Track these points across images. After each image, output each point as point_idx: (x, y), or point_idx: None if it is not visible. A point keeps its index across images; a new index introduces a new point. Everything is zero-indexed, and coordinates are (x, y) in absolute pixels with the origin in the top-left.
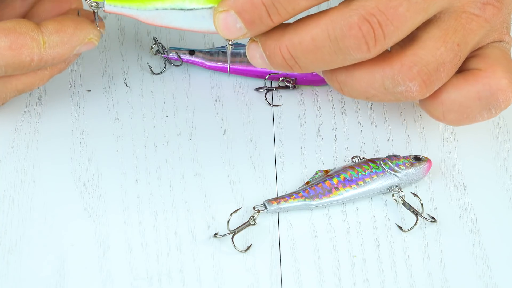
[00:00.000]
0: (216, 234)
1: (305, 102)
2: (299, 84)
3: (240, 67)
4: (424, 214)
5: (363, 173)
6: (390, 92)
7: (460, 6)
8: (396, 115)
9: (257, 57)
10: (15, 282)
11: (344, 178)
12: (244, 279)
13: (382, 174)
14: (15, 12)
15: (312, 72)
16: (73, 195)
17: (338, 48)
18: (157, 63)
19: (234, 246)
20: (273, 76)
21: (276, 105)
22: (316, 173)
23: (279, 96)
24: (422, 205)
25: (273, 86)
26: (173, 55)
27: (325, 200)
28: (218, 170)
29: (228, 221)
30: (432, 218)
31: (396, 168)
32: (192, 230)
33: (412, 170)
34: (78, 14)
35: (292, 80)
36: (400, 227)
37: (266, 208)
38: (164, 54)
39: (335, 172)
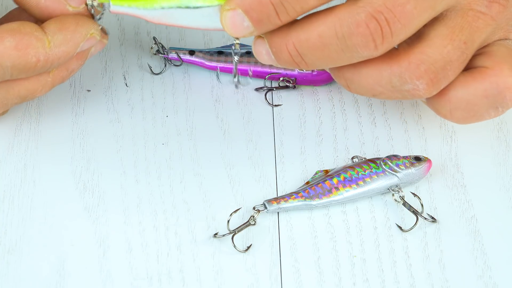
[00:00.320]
0: (216, 234)
1: (305, 102)
2: (299, 84)
3: (240, 67)
4: (424, 214)
5: (363, 173)
6: (397, 90)
7: (466, 4)
8: (396, 115)
9: (263, 53)
10: (15, 282)
11: (344, 178)
12: (244, 279)
13: (382, 174)
14: None
15: (312, 72)
16: (73, 195)
17: (345, 46)
18: (157, 63)
19: (234, 246)
20: (273, 76)
21: (276, 105)
22: (316, 173)
23: (279, 96)
24: (422, 205)
25: (273, 86)
26: (173, 55)
27: (325, 200)
28: (218, 170)
29: (228, 221)
30: (432, 218)
31: (396, 168)
32: (192, 230)
33: (412, 170)
34: None
35: (292, 80)
36: (400, 227)
37: (266, 208)
38: (164, 54)
39: (335, 172)
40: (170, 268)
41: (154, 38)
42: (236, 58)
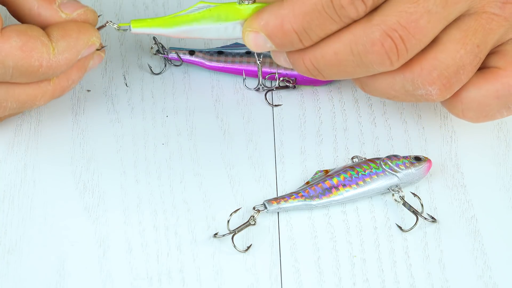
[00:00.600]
0: (216, 234)
1: (305, 102)
2: (299, 84)
3: (240, 67)
4: (424, 214)
5: (363, 173)
6: (410, 94)
7: (480, 7)
8: (396, 115)
9: (281, 60)
10: (15, 282)
11: (344, 178)
12: (244, 279)
13: (382, 174)
14: None
15: None
16: (73, 195)
17: (361, 62)
18: (157, 63)
19: (234, 246)
20: (273, 76)
21: (276, 105)
22: (316, 173)
23: (279, 96)
24: (422, 205)
25: (273, 86)
26: (173, 55)
27: (325, 200)
28: (218, 170)
29: (228, 221)
30: (432, 218)
31: (396, 168)
32: (192, 230)
33: (412, 170)
34: None
35: (292, 80)
36: (400, 227)
37: (266, 208)
38: (164, 54)
39: (335, 172)
40: (170, 268)
41: (154, 38)
42: (259, 59)
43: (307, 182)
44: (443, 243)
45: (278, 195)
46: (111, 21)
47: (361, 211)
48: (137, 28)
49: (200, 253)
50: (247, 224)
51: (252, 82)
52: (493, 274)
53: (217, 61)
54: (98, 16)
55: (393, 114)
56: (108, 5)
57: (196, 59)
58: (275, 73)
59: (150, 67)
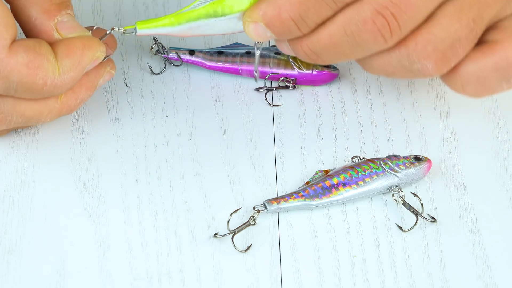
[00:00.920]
0: (216, 234)
1: (305, 102)
2: (299, 84)
3: (240, 67)
4: (424, 214)
5: (363, 173)
6: (408, 70)
7: None
8: (396, 115)
9: (285, 48)
10: (15, 282)
11: (344, 178)
12: (244, 279)
13: (382, 174)
14: None
15: (312, 72)
16: (73, 195)
17: (355, 43)
18: (157, 63)
19: (234, 246)
20: (273, 76)
21: (276, 105)
22: (316, 173)
23: (279, 96)
24: (422, 205)
25: (273, 86)
26: (173, 55)
27: (325, 200)
28: (218, 170)
29: (228, 221)
30: (432, 218)
31: (396, 168)
32: (192, 230)
33: (412, 170)
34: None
35: (292, 80)
36: (400, 227)
37: (266, 208)
38: (164, 54)
39: (335, 172)
40: (170, 268)
41: (154, 38)
42: (258, 52)
43: (307, 182)
44: (443, 243)
45: (278, 195)
46: (116, 28)
47: (361, 211)
48: (143, 30)
49: (200, 253)
50: (247, 224)
51: (253, 82)
52: (493, 274)
53: (217, 61)
54: (92, 29)
55: (393, 114)
56: (108, 5)
57: (196, 59)
58: (275, 73)
59: (150, 67)
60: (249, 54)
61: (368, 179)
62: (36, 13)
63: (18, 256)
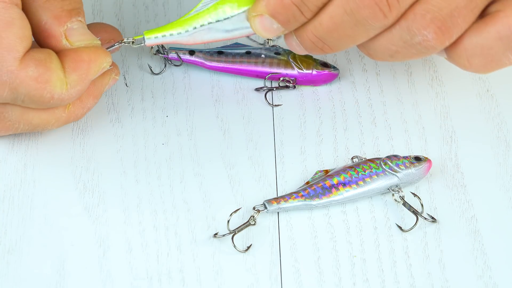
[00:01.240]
0: (216, 234)
1: (305, 102)
2: (299, 84)
3: (240, 67)
4: (424, 214)
5: (363, 173)
6: (409, 45)
7: None
8: (396, 115)
9: (294, 45)
10: (15, 282)
11: (344, 178)
12: (244, 279)
13: (382, 174)
14: None
15: (311, 72)
16: (73, 195)
17: (356, 21)
18: (157, 63)
19: (234, 246)
20: (273, 76)
21: (276, 105)
22: (316, 173)
23: (279, 96)
24: (422, 205)
25: (273, 86)
26: (173, 55)
27: (325, 200)
28: (218, 170)
29: (228, 221)
30: (432, 218)
31: (396, 168)
32: (192, 230)
33: (412, 170)
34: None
35: (292, 80)
36: (400, 227)
37: (266, 208)
38: (164, 54)
39: (335, 172)
40: (170, 268)
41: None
42: (263, 54)
43: (307, 182)
44: (443, 243)
45: (278, 195)
46: (124, 41)
47: (361, 211)
48: (151, 39)
49: (200, 253)
50: (247, 224)
51: (253, 82)
52: (493, 274)
53: (217, 61)
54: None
55: (393, 114)
56: (108, 5)
57: (196, 59)
58: (275, 73)
59: (150, 67)
60: (249, 54)
61: (368, 179)
62: (46, 17)
63: (18, 256)
